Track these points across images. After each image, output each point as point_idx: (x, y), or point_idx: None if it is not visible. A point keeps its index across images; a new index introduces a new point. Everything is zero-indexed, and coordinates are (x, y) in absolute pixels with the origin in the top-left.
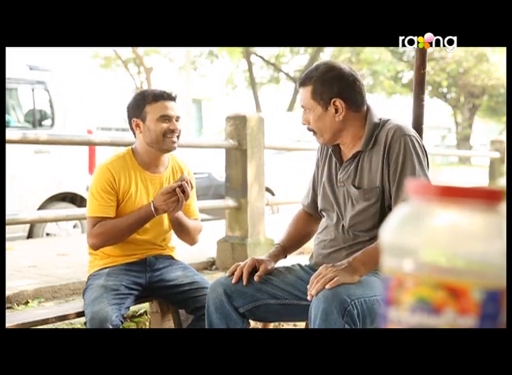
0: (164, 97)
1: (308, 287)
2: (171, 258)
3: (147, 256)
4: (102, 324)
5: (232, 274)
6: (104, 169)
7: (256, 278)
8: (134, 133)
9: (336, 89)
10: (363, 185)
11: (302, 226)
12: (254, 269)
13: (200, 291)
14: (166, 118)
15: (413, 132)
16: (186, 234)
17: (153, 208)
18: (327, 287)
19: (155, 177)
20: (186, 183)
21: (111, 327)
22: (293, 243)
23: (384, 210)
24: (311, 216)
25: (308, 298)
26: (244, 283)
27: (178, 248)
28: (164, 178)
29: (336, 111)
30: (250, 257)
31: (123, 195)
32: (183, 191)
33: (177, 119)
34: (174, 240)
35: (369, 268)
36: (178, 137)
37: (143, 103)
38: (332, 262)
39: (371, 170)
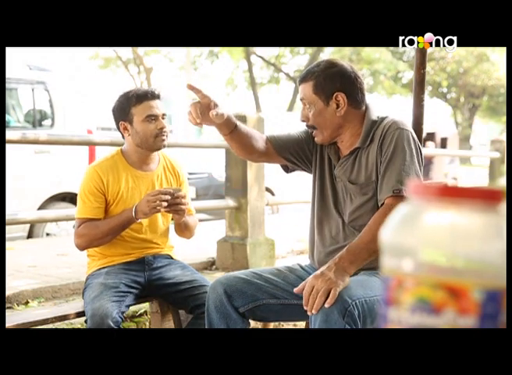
0: (148, 97)
1: (304, 304)
2: (169, 257)
3: (145, 255)
4: (103, 320)
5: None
6: (91, 170)
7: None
8: (123, 136)
9: (338, 84)
10: (360, 180)
11: (258, 136)
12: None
13: (200, 289)
14: (153, 117)
15: (408, 127)
16: (187, 232)
17: (133, 213)
18: (326, 305)
19: (147, 175)
20: (183, 197)
21: (112, 324)
22: (241, 130)
23: None
24: (265, 144)
25: (308, 313)
26: (198, 121)
27: (177, 248)
28: (155, 176)
29: (337, 106)
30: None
31: (113, 196)
32: (178, 204)
33: (163, 116)
34: (173, 240)
35: (357, 266)
36: (167, 134)
37: (128, 105)
38: None
39: (368, 165)
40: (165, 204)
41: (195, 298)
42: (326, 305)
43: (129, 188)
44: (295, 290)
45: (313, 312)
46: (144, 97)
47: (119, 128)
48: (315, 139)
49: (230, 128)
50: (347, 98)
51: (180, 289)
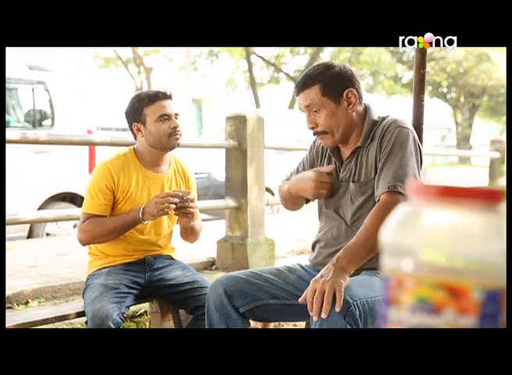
0: (159, 97)
1: (309, 309)
2: (170, 258)
3: (146, 256)
4: (103, 322)
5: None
6: (103, 167)
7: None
8: (135, 137)
9: (345, 81)
10: (360, 179)
11: None
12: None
13: (200, 291)
14: (166, 117)
15: (409, 125)
16: (192, 236)
17: (140, 213)
18: (337, 309)
19: (157, 177)
20: (191, 201)
21: (112, 325)
22: None
23: None
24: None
25: (314, 319)
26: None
27: (177, 248)
28: (165, 178)
29: (349, 103)
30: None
31: (122, 194)
32: (187, 207)
33: (176, 116)
34: (174, 241)
35: (355, 264)
36: (180, 133)
37: (140, 106)
38: None
39: (368, 164)
40: (173, 206)
41: (195, 299)
42: (337, 309)
43: (138, 188)
44: (299, 299)
45: (322, 316)
46: (156, 97)
47: (132, 130)
48: (325, 143)
49: None
50: (357, 93)
51: (181, 290)
